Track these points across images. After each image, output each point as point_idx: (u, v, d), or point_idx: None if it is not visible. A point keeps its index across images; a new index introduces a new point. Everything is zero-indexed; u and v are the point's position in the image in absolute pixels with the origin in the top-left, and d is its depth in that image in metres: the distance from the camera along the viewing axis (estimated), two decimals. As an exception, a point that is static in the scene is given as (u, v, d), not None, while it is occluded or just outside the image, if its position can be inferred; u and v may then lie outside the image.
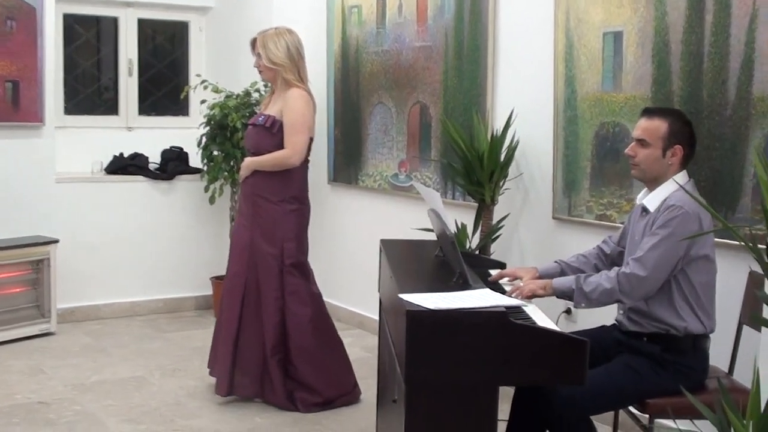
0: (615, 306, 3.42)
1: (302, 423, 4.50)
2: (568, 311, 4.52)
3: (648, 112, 3.38)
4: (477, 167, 4.63)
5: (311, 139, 4.67)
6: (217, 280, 6.56)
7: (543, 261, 4.73)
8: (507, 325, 2.72)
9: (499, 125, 4.80)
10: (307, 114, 4.56)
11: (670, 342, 3.25)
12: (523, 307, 3.09)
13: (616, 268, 3.28)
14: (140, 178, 6.62)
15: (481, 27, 5.03)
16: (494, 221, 4.77)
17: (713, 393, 2.84)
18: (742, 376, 3.38)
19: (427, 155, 5.47)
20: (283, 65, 4.57)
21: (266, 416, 4.58)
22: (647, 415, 3.25)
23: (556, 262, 3.64)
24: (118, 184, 6.55)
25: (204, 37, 7.12)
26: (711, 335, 3.33)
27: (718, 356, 3.50)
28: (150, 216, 6.65)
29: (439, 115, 5.32)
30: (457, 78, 5.22)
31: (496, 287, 3.36)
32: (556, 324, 3.00)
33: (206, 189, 6.48)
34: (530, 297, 3.29)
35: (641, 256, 3.19)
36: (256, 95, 6.28)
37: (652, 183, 3.35)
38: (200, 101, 6.50)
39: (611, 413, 3.67)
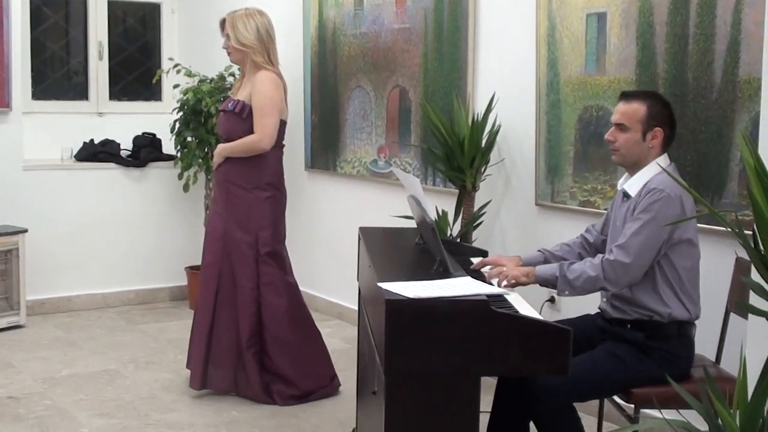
0: (598, 294, 3.42)
1: (280, 416, 4.49)
2: (551, 300, 4.52)
3: (626, 96, 3.39)
4: (458, 152, 4.62)
5: (284, 123, 4.65)
6: (191, 270, 6.55)
7: (526, 249, 4.73)
8: (489, 313, 2.71)
9: (480, 109, 4.79)
10: (275, 96, 4.53)
11: (655, 329, 3.27)
12: (506, 296, 3.09)
13: (600, 255, 3.29)
14: (111, 165, 6.58)
15: (461, 8, 5.01)
16: (476, 208, 4.77)
17: (699, 382, 2.85)
18: (730, 365, 3.39)
19: (407, 140, 5.46)
20: (252, 47, 4.54)
21: (243, 409, 4.57)
22: (632, 405, 3.26)
23: (539, 250, 3.64)
24: (88, 172, 6.50)
25: (176, 19, 7.07)
26: (697, 323, 3.35)
27: (704, 345, 3.51)
28: (122, 204, 6.61)
29: (419, 99, 5.31)
30: (437, 61, 5.21)
31: (478, 276, 3.36)
32: (540, 313, 3.00)
33: (180, 176, 6.45)
34: (513, 285, 3.28)
35: (624, 243, 3.20)
36: (230, 79, 6.25)
37: (633, 167, 3.36)
38: (173, 86, 6.48)
39: (596, 404, 3.68)
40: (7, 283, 6.00)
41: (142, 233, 6.71)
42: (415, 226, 3.90)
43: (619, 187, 3.44)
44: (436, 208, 4.78)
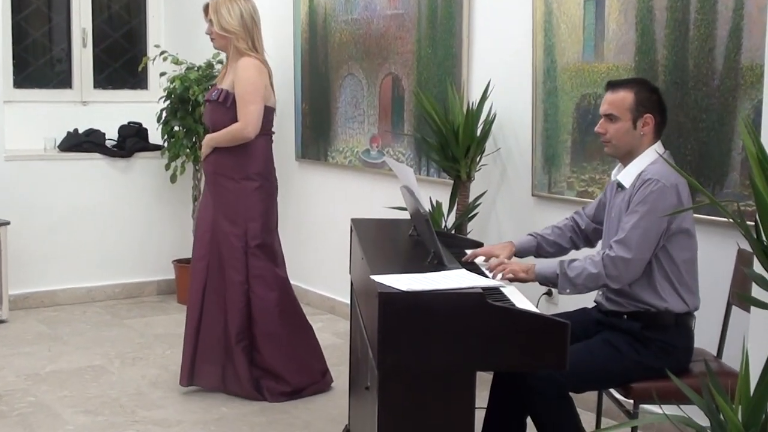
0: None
1: (270, 412, 4.49)
2: (548, 293, 4.52)
3: (612, 85, 3.39)
4: (452, 142, 4.61)
5: (272, 110, 4.65)
6: (179, 263, 6.54)
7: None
8: (484, 307, 2.71)
9: (475, 97, 4.79)
10: (257, 82, 4.51)
11: (651, 319, 3.28)
12: (502, 289, 3.08)
13: (600, 251, 3.28)
14: (96, 155, 6.56)
15: (456, -6, 5.01)
16: (471, 199, 4.76)
17: (700, 376, 2.85)
18: (731, 359, 3.40)
19: (400, 130, 5.45)
20: (236, 33, 4.53)
21: (232, 406, 4.57)
22: (631, 401, 3.27)
23: (530, 234, 3.65)
24: (72, 162, 6.48)
25: (163, 4, 7.04)
26: (698, 316, 3.35)
27: (705, 338, 3.52)
28: (107, 196, 6.59)
29: (412, 87, 5.29)
30: (430, 48, 5.19)
31: (473, 268, 3.35)
32: (537, 306, 3.00)
33: (167, 167, 6.44)
34: (511, 279, 3.28)
35: (623, 237, 3.20)
36: (219, 67, 6.23)
37: (627, 157, 3.36)
38: (159, 74, 6.45)
39: (594, 400, 3.69)
40: (-11, 276, 6.00)
41: (128, 225, 6.69)
42: (408, 217, 3.90)
43: (612, 178, 3.44)
44: (430, 199, 4.78)
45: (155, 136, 6.59)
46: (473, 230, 4.81)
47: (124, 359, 5.29)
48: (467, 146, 4.62)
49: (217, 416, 4.44)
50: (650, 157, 3.30)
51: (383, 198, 5.30)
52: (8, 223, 6.00)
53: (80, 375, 5.01)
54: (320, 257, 6.25)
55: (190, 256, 6.45)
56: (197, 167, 6.39)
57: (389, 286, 2.75)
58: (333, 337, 5.61)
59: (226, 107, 4.53)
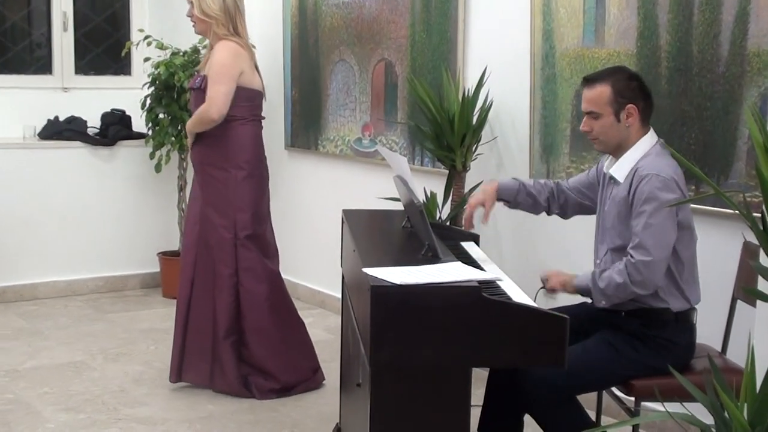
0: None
1: (259, 410, 4.49)
2: (546, 286, 4.52)
3: (587, 81, 3.36)
4: (447, 130, 4.61)
5: (259, 94, 4.64)
6: (164, 256, 6.53)
7: (520, 234, 4.75)
8: (481, 301, 2.71)
9: (471, 84, 4.78)
10: (229, 64, 4.47)
11: (650, 316, 3.27)
12: (498, 282, 3.08)
13: (624, 260, 3.22)
14: (78, 144, 6.54)
15: (451, -24, 4.99)
16: (466, 189, 4.76)
17: (704, 373, 2.85)
18: (736, 355, 3.39)
19: (393, 117, 5.44)
20: (216, 18, 4.50)
21: (220, 403, 4.56)
22: (632, 398, 3.26)
23: (514, 179, 3.69)
24: (53, 151, 6.46)
25: (147, -13, 7.02)
26: (702, 311, 3.35)
27: (709, 334, 3.51)
28: (90, 186, 6.58)
29: (406, 74, 5.28)
30: (425, 32, 5.18)
31: (469, 260, 3.35)
32: (534, 300, 2.99)
33: (152, 156, 6.43)
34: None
35: (639, 242, 3.16)
36: (205, 52, 6.20)
37: (618, 150, 3.34)
38: (144, 59, 6.44)
39: (594, 397, 3.68)
40: (-33, 269, 5.99)
41: (111, 216, 6.67)
42: (401, 208, 3.89)
43: (604, 170, 3.42)
44: (424, 189, 4.77)
45: (139, 123, 6.57)
46: (469, 222, 4.80)
47: (107, 355, 5.28)
48: (463, 135, 4.62)
49: (204, 414, 4.44)
50: (642, 149, 3.28)
51: (376, 188, 5.29)
52: (-14, 214, 5.99)
53: (61, 371, 4.99)
54: (310, 250, 6.24)
55: (175, 248, 6.51)
56: (183, 156, 6.38)
57: (382, 280, 2.74)
58: (323, 333, 5.61)
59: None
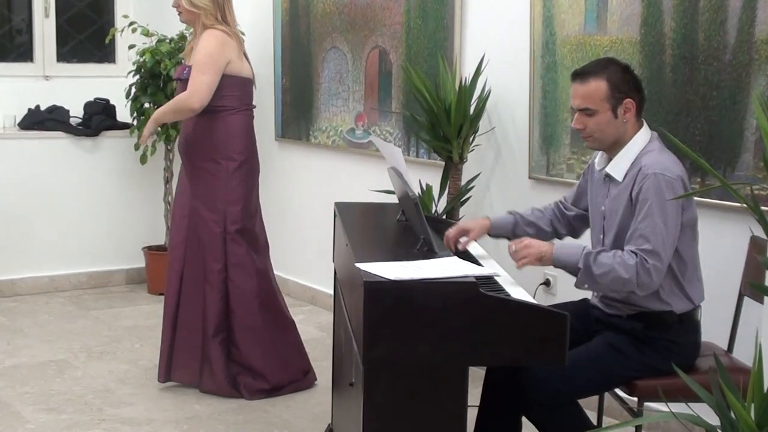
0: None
1: (247, 410, 4.48)
2: (546, 283, 4.52)
3: (579, 76, 3.29)
4: (443, 120, 4.60)
5: (250, 81, 4.63)
6: (150, 251, 6.52)
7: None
8: (478, 297, 2.71)
9: (468, 73, 4.77)
10: (214, 53, 4.45)
11: (653, 318, 3.25)
12: (496, 278, 3.07)
13: (633, 257, 3.12)
14: (60, 134, 6.53)
15: (448, -39, 4.99)
16: (463, 182, 4.76)
17: (710, 372, 2.85)
18: (743, 354, 3.39)
19: (387, 107, 5.43)
20: (205, 8, 4.49)
21: (207, 403, 4.56)
22: (635, 399, 3.26)
23: (510, 212, 3.61)
24: (34, 142, 6.45)
25: (132, -28, 7.00)
26: (707, 309, 3.34)
27: (715, 332, 3.51)
28: (72, 178, 6.57)
29: (401, 62, 5.28)
30: (420, 19, 5.17)
31: (466, 255, 3.34)
32: (534, 296, 2.99)
33: (137, 147, 6.40)
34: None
35: (652, 248, 3.09)
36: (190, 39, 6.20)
37: (613, 148, 3.30)
38: (128, 46, 6.42)
39: (596, 398, 3.68)
40: (-56, 264, 5.98)
41: (94, 209, 6.66)
42: (396, 201, 3.88)
43: (597, 168, 3.40)
44: (420, 181, 4.77)
45: (123, 113, 6.56)
46: (466, 215, 4.80)
47: (90, 353, 5.28)
48: (459, 125, 4.61)
49: (190, 414, 4.43)
50: (639, 145, 3.25)
51: (369, 180, 5.29)
52: (-35, 207, 5.98)
53: (42, 370, 4.99)
54: (301, 244, 6.24)
55: (161, 242, 6.50)
56: (169, 147, 6.37)
57: (375, 275, 2.74)
58: (315, 330, 5.61)
59: None
